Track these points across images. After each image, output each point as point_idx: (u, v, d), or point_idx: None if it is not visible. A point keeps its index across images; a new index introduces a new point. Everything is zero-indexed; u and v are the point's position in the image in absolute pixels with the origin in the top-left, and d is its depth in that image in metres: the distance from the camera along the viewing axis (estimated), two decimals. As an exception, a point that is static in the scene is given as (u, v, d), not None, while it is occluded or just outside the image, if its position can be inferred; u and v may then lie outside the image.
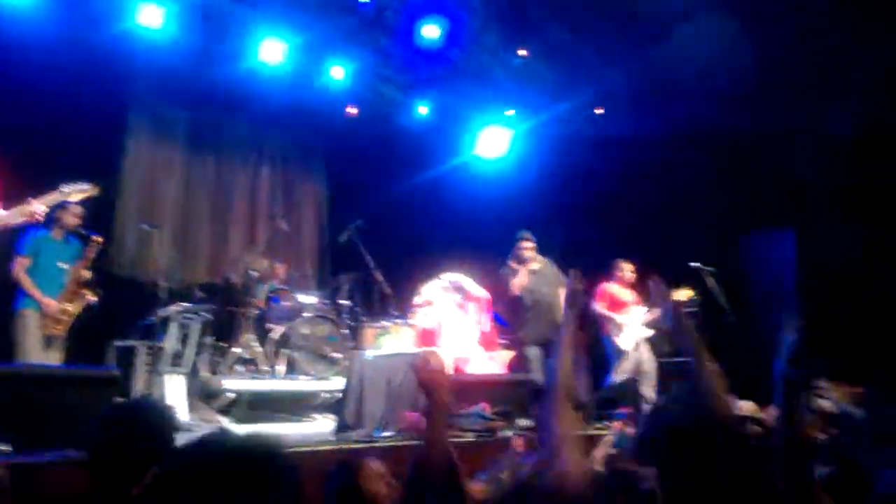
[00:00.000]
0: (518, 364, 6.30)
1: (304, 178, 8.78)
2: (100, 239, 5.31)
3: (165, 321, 5.95)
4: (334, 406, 6.00)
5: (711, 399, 2.12)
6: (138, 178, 7.37)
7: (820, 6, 6.56)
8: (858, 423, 3.39)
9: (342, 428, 5.12)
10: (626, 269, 6.94)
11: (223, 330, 6.45)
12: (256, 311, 6.58)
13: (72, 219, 5.17)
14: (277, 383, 6.23)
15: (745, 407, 4.01)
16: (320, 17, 7.26)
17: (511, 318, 6.71)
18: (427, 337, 6.20)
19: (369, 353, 5.66)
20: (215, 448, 1.17)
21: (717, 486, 1.56)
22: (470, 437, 4.52)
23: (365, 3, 7.12)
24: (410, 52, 7.51)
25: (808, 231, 7.28)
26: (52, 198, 4.44)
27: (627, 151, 8.28)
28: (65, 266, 5.18)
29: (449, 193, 8.70)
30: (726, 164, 7.77)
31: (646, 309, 6.78)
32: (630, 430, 4.64)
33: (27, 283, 5.02)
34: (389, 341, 6.15)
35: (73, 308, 5.14)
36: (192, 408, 5.56)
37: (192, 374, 5.89)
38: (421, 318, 6.34)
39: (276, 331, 6.50)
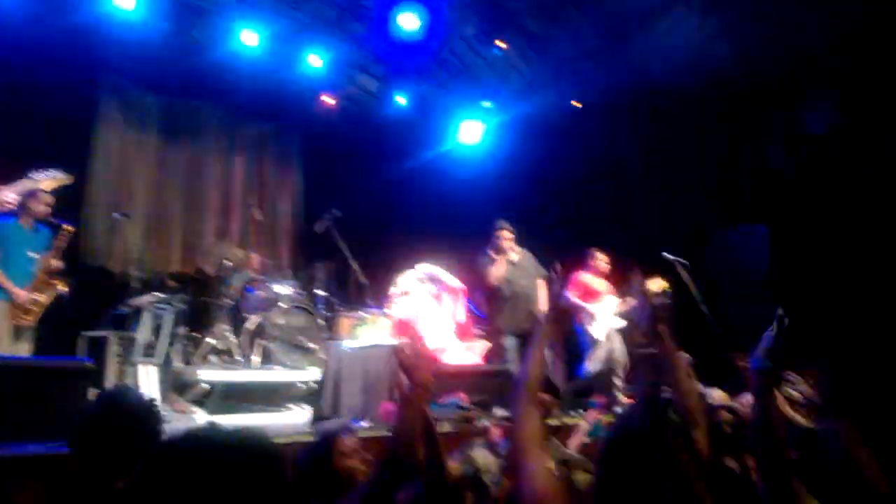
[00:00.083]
0: (494, 354, 6.33)
1: (280, 167, 8.70)
2: (70, 228, 5.21)
3: (138, 311, 5.87)
4: (310, 396, 5.99)
5: (680, 392, 2.16)
6: (109, 164, 7.24)
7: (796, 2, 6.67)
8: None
9: (319, 418, 5.12)
10: (601, 259, 7.00)
11: (197, 320, 6.37)
12: (231, 301, 6.52)
13: (42, 207, 5.05)
14: (252, 374, 6.18)
15: (716, 396, 4.08)
16: (297, 5, 7.19)
17: (487, 307, 6.72)
18: (403, 327, 6.20)
19: (346, 344, 5.65)
20: (203, 441, 1.15)
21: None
22: (447, 427, 4.54)
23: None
24: (388, 42, 7.47)
25: (780, 228, 7.40)
26: (23, 186, 4.34)
27: (604, 144, 8.34)
28: (34, 255, 5.06)
29: (426, 184, 8.69)
30: (701, 160, 7.86)
31: (619, 299, 6.86)
32: (604, 420, 4.73)
33: (-5, 272, 4.92)
34: (366, 332, 6.14)
35: (43, 298, 5.04)
36: (165, 399, 5.50)
37: (165, 365, 5.81)
38: (397, 308, 6.35)
39: (251, 321, 6.44)
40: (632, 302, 6.79)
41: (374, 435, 4.35)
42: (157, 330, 5.93)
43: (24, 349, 4.93)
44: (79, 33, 6.44)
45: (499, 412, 4.86)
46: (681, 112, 7.65)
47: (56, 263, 5.12)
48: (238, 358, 6.25)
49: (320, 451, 2.51)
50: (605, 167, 8.47)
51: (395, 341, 5.75)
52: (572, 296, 6.84)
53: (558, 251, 6.47)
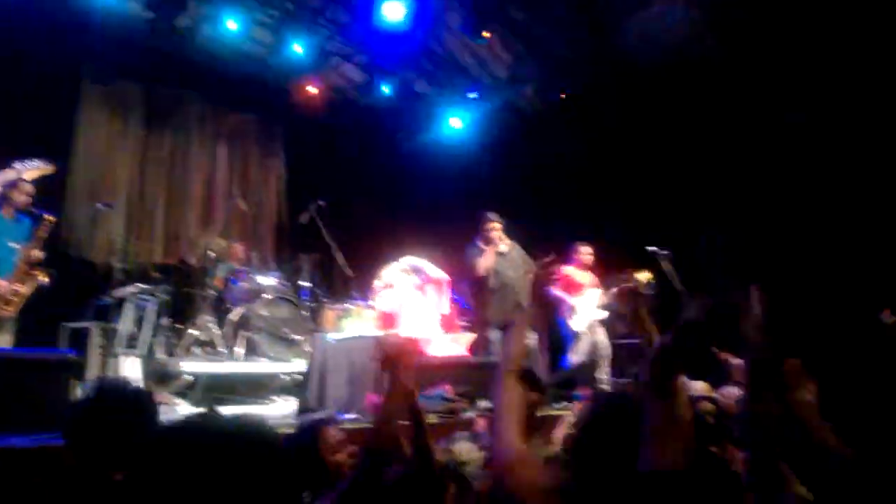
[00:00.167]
0: (479, 346, 6.35)
1: (264, 156, 8.64)
2: (52, 218, 5.14)
3: (120, 302, 5.82)
4: (294, 388, 5.98)
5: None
6: (91, 154, 7.15)
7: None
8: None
9: (304, 410, 5.11)
10: (584, 253, 7.04)
11: (180, 311, 6.34)
12: (214, 293, 6.49)
13: (23, 197, 4.99)
14: (236, 365, 6.14)
15: (698, 387, 4.14)
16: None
17: (474, 298, 6.72)
18: (388, 320, 6.21)
19: (332, 336, 5.65)
20: (202, 429, 1.14)
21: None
22: (433, 419, 4.56)
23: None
24: (372, 31, 7.43)
25: (757, 228, 7.46)
26: (4, 176, 4.29)
27: (587, 136, 8.37)
28: (15, 246, 5.00)
29: (411, 174, 8.69)
30: (684, 155, 7.91)
31: (601, 291, 6.91)
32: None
33: (-25, 263, 4.86)
34: (352, 324, 6.13)
35: (24, 289, 4.98)
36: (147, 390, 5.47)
37: (148, 357, 5.78)
38: (381, 300, 6.34)
39: (235, 312, 6.41)
40: (612, 294, 6.87)
41: (360, 427, 4.36)
42: (139, 321, 5.89)
43: (4, 340, 4.87)
44: (61, 21, 6.36)
45: (484, 404, 4.91)
46: (665, 103, 7.69)
47: (37, 254, 5.06)
48: (222, 349, 6.22)
49: (305, 443, 2.52)
50: (588, 159, 8.50)
51: (380, 333, 5.76)
52: (555, 288, 6.88)
53: (542, 243, 6.55)
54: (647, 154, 8.12)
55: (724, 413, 3.27)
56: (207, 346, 6.23)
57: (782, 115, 7.04)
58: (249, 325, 6.30)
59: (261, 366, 6.21)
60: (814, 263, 6.61)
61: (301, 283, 6.99)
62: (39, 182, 4.89)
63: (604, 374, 6.57)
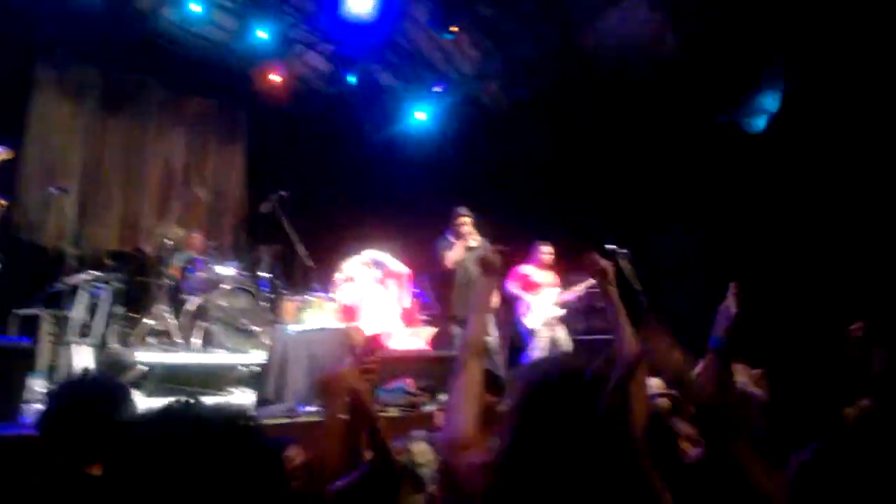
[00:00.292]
0: (440, 340, 6.37)
1: (225, 144, 8.47)
2: (3, 202, 4.98)
3: (73, 289, 5.65)
4: (252, 380, 5.91)
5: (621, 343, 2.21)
6: (45, 137, 6.93)
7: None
8: (758, 404, 3.64)
9: (262, 402, 5.06)
10: (545, 252, 7.12)
11: (135, 300, 6.19)
12: (170, 282, 6.36)
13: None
14: (192, 356, 6.03)
15: (654, 383, 4.22)
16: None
17: (440, 291, 6.72)
18: (348, 313, 6.19)
19: (292, 328, 5.60)
20: (181, 421, 1.11)
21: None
22: (393, 412, 4.57)
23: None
24: (338, 21, 7.36)
25: (718, 227, 7.64)
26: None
27: (551, 133, 8.44)
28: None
29: (374, 166, 8.63)
30: (643, 155, 8.04)
31: (559, 290, 7.00)
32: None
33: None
34: (312, 315, 6.09)
35: (-28, 274, 4.82)
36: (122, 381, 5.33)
37: (101, 346, 5.63)
38: (342, 293, 6.31)
39: (192, 302, 6.30)
40: (576, 291, 6.97)
41: (319, 420, 4.33)
42: (92, 309, 5.72)
43: (-49, 327, 4.71)
44: (15, 1, 6.13)
45: (444, 397, 4.93)
46: (629, 102, 7.80)
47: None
48: (178, 340, 6.11)
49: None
50: (553, 157, 8.58)
51: (341, 325, 5.74)
52: (511, 286, 6.94)
53: (504, 238, 6.58)
54: (611, 153, 8.24)
55: (680, 409, 3.34)
56: (163, 336, 6.10)
57: (742, 123, 7.22)
58: (207, 315, 6.20)
59: (218, 357, 6.10)
60: (783, 264, 6.80)
61: (260, 273, 6.90)
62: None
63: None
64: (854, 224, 6.63)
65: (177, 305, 6.28)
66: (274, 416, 4.49)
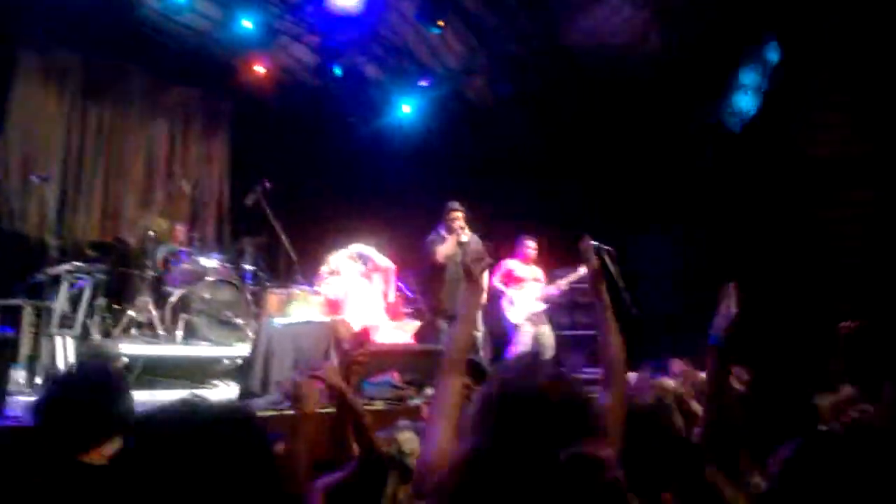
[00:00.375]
0: (428, 334, 6.38)
1: (208, 135, 8.40)
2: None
3: (55, 280, 5.59)
4: (235, 373, 5.88)
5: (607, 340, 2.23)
6: (26, 124, 6.82)
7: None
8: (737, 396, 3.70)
9: (246, 395, 5.03)
10: (529, 247, 7.15)
11: (117, 291, 6.14)
12: (153, 273, 6.31)
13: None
14: (175, 348, 6.00)
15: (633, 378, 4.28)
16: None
17: (428, 286, 6.71)
18: (333, 306, 6.17)
19: (278, 321, 5.58)
20: (187, 417, 1.13)
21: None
22: (379, 406, 4.58)
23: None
24: (324, 13, 7.32)
25: (696, 226, 7.72)
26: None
27: (537, 129, 8.48)
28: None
29: (359, 159, 8.61)
30: (625, 154, 8.11)
31: (542, 285, 7.04)
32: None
33: None
34: (298, 309, 6.07)
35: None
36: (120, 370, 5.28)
37: (83, 337, 5.58)
38: (327, 287, 6.29)
39: (175, 294, 6.25)
40: (561, 285, 7.01)
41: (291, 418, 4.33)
42: (74, 300, 5.67)
43: (-71, 317, 4.64)
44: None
45: (430, 391, 4.95)
46: (612, 102, 7.86)
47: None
48: (160, 332, 6.07)
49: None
50: (538, 152, 8.62)
51: (326, 319, 5.72)
52: (495, 280, 6.97)
53: (489, 232, 6.62)
54: (596, 148, 8.30)
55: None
56: (146, 327, 6.07)
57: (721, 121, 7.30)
58: (190, 307, 6.16)
59: (200, 349, 6.08)
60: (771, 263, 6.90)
61: (244, 266, 6.87)
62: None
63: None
64: (833, 222, 6.75)
65: (160, 297, 6.24)
66: (260, 410, 4.47)
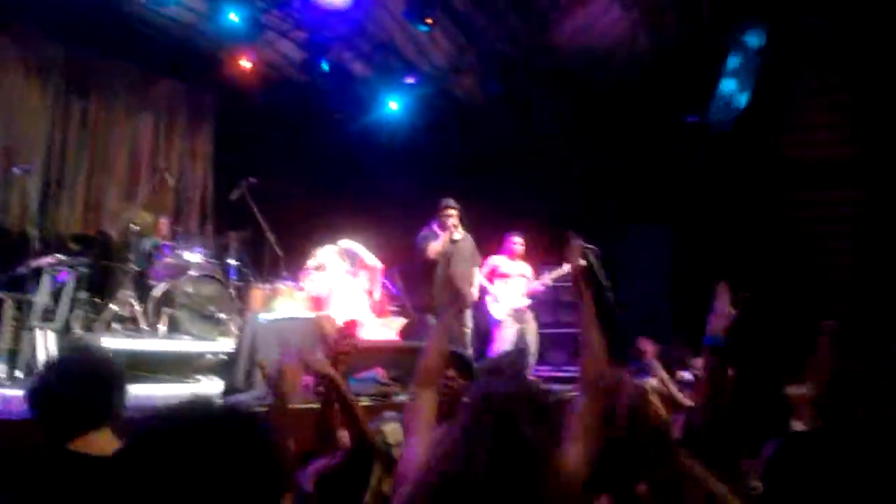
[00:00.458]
0: (415, 330, 6.38)
1: (192, 129, 8.33)
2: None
3: (36, 273, 5.53)
4: (219, 368, 5.86)
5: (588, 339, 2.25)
6: (8, 116, 6.73)
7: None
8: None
9: (231, 391, 5.02)
10: (516, 243, 7.17)
11: (99, 285, 6.09)
12: (136, 267, 6.26)
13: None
14: (158, 343, 5.96)
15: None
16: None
17: (418, 281, 6.71)
18: (318, 302, 6.15)
19: (263, 316, 5.56)
20: (193, 418, 1.12)
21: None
22: (365, 402, 4.57)
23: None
24: (311, 9, 7.29)
25: (682, 226, 7.78)
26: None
27: (525, 127, 8.51)
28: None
29: (345, 155, 8.59)
30: (617, 151, 8.16)
31: (526, 281, 7.06)
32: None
33: None
34: (282, 304, 6.06)
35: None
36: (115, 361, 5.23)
37: (65, 331, 5.53)
38: (310, 283, 6.27)
39: (158, 288, 6.21)
40: (543, 282, 7.04)
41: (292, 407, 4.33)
42: (56, 294, 5.61)
43: None
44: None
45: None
46: (600, 100, 7.91)
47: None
48: (143, 326, 6.03)
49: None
50: (526, 150, 8.65)
51: (312, 315, 5.72)
52: (481, 277, 6.98)
53: (476, 230, 6.64)
54: (583, 148, 8.35)
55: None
56: (128, 322, 6.02)
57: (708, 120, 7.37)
58: (173, 301, 6.11)
59: (184, 344, 6.04)
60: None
61: (228, 261, 6.83)
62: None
63: (531, 360, 6.73)
64: (822, 221, 6.84)
65: (143, 291, 6.19)
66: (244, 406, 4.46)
